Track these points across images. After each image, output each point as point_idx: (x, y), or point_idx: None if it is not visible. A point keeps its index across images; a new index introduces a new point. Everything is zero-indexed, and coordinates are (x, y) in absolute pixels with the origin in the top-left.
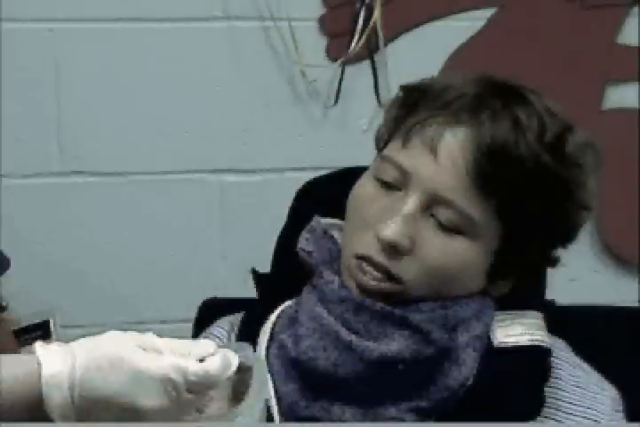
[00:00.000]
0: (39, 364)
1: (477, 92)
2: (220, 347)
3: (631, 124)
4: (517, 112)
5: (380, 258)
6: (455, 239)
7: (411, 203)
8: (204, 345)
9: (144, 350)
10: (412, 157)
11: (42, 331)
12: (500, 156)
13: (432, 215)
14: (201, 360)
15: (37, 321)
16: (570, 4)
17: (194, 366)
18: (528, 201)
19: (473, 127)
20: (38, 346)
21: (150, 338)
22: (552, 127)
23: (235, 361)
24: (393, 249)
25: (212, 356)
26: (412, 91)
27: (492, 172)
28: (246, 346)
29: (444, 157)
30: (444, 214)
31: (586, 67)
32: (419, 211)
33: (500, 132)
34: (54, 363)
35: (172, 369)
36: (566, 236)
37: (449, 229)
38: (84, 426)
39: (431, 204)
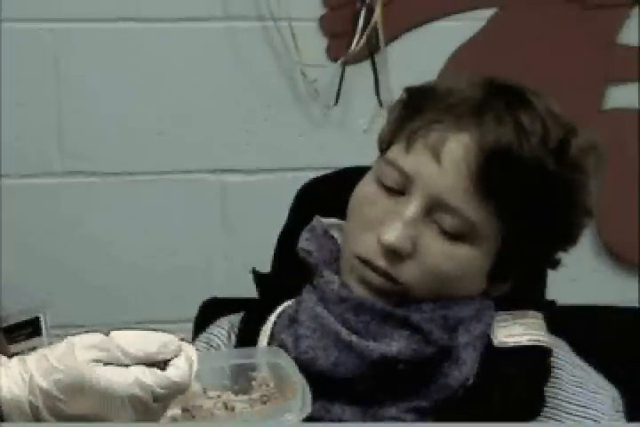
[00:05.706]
0: None
1: (480, 96)
2: (179, 339)
3: (631, 124)
4: (520, 116)
5: (380, 262)
6: (457, 245)
7: (413, 207)
8: (166, 343)
9: (103, 363)
10: (415, 161)
11: (32, 328)
12: (504, 160)
13: (434, 221)
14: (166, 362)
15: (27, 318)
16: (570, 4)
17: (160, 379)
18: (530, 205)
19: (476, 132)
20: None
21: (110, 342)
22: (555, 131)
23: (194, 356)
24: (394, 253)
25: (177, 358)
26: (415, 93)
27: (496, 176)
28: (279, 351)
29: (448, 161)
30: (446, 220)
31: (586, 67)
32: (421, 215)
33: (504, 137)
34: (11, 387)
35: (138, 386)
36: (568, 239)
37: (451, 234)
38: (83, 426)
39: (433, 209)
